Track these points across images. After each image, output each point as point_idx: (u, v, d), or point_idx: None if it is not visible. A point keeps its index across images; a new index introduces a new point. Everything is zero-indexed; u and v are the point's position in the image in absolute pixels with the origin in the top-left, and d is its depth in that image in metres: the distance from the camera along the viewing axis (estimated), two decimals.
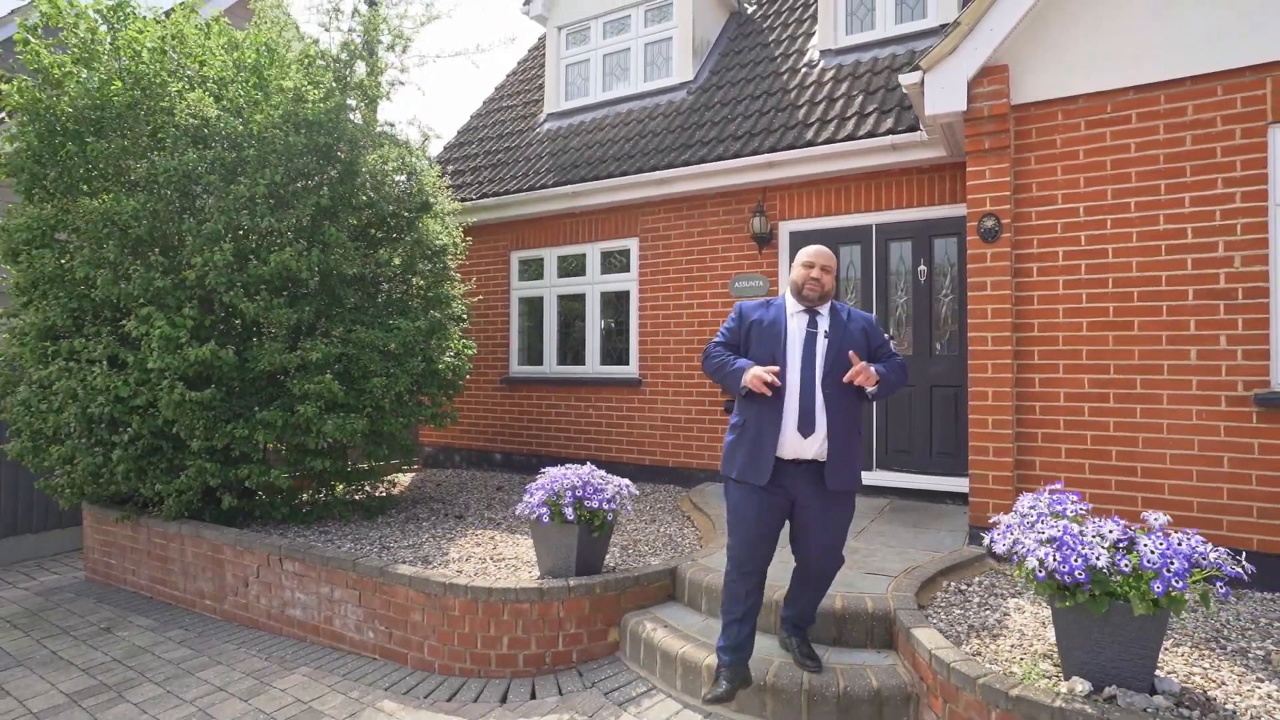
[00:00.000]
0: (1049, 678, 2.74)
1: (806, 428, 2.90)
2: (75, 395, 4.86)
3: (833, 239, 6.40)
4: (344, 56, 5.81)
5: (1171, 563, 2.44)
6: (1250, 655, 3.02)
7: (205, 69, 5.45)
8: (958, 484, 5.71)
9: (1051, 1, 4.42)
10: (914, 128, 5.62)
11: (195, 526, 5.09)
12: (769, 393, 2.85)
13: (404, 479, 7.88)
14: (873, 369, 2.87)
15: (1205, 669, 2.89)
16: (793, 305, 3.07)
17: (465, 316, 6.64)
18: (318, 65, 5.66)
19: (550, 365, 8.16)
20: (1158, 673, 2.78)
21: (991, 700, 2.60)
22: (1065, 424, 4.45)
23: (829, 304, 3.08)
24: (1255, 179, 4.00)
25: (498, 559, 4.62)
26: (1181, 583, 2.42)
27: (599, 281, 7.82)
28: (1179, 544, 2.49)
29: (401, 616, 3.99)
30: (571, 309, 8.05)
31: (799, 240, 6.57)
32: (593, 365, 7.85)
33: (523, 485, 7.34)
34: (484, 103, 10.61)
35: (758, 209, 6.62)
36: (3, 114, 6.20)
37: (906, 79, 4.71)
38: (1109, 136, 4.39)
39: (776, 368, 2.88)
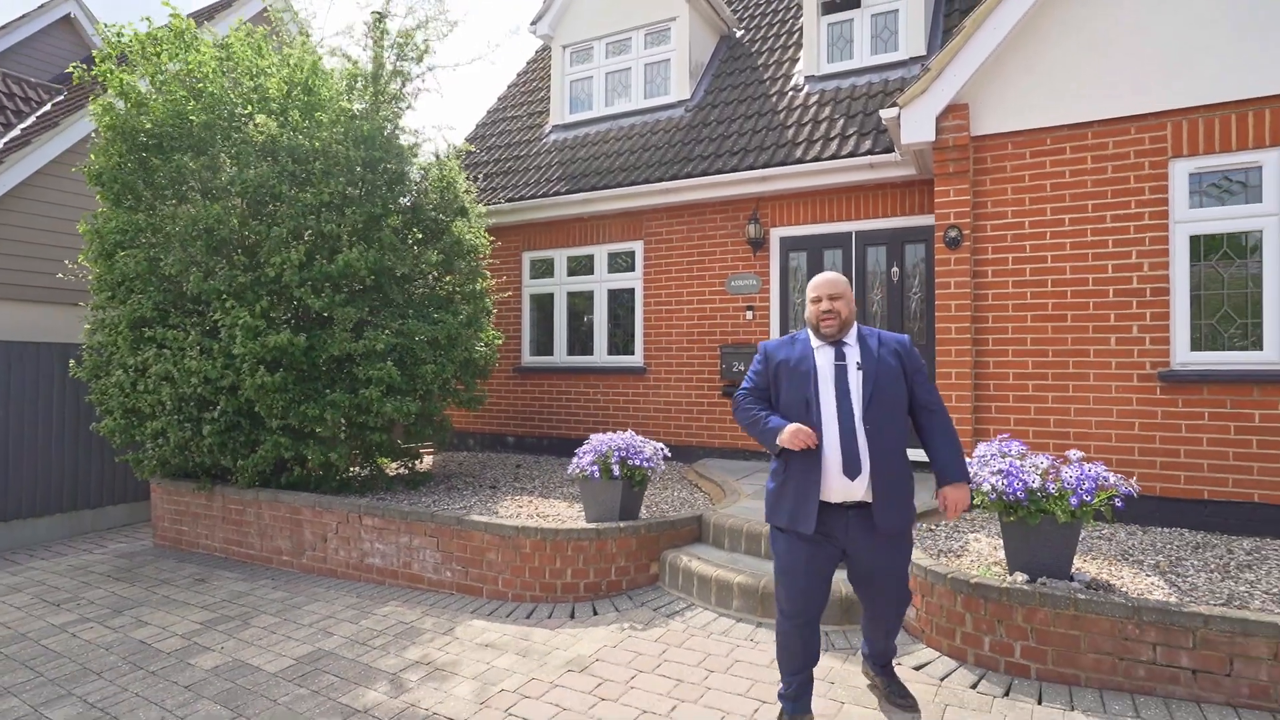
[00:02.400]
0: (998, 575, 3.69)
1: (852, 469, 2.75)
2: (170, 377, 5.55)
3: (818, 244, 7.36)
4: (380, 74, 6.57)
5: (1083, 484, 3.41)
6: (1145, 564, 4.02)
7: (260, 87, 6.13)
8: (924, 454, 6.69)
9: (1003, 53, 5.41)
10: (889, 149, 6.58)
11: (273, 493, 5.82)
12: (810, 446, 2.75)
13: (427, 459, 8.63)
14: (962, 490, 2.89)
15: (1111, 571, 3.88)
16: (815, 339, 2.94)
17: (493, 310, 7.43)
18: (359, 84, 6.41)
19: (560, 355, 8.98)
20: (1074, 570, 3.76)
21: (957, 589, 3.54)
22: (1014, 398, 5.45)
23: (854, 331, 2.94)
24: (1159, 201, 5.04)
25: (542, 515, 5.44)
26: (1090, 497, 3.39)
27: (606, 280, 8.66)
28: (1089, 471, 3.46)
29: (477, 557, 4.81)
30: (580, 304, 8.89)
31: (789, 244, 7.52)
32: (600, 355, 8.69)
33: (538, 464, 8.16)
34: (488, 112, 11.36)
35: (752, 216, 7.54)
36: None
37: (886, 114, 5.67)
38: (1048, 164, 5.40)
39: (813, 432, 2.75)
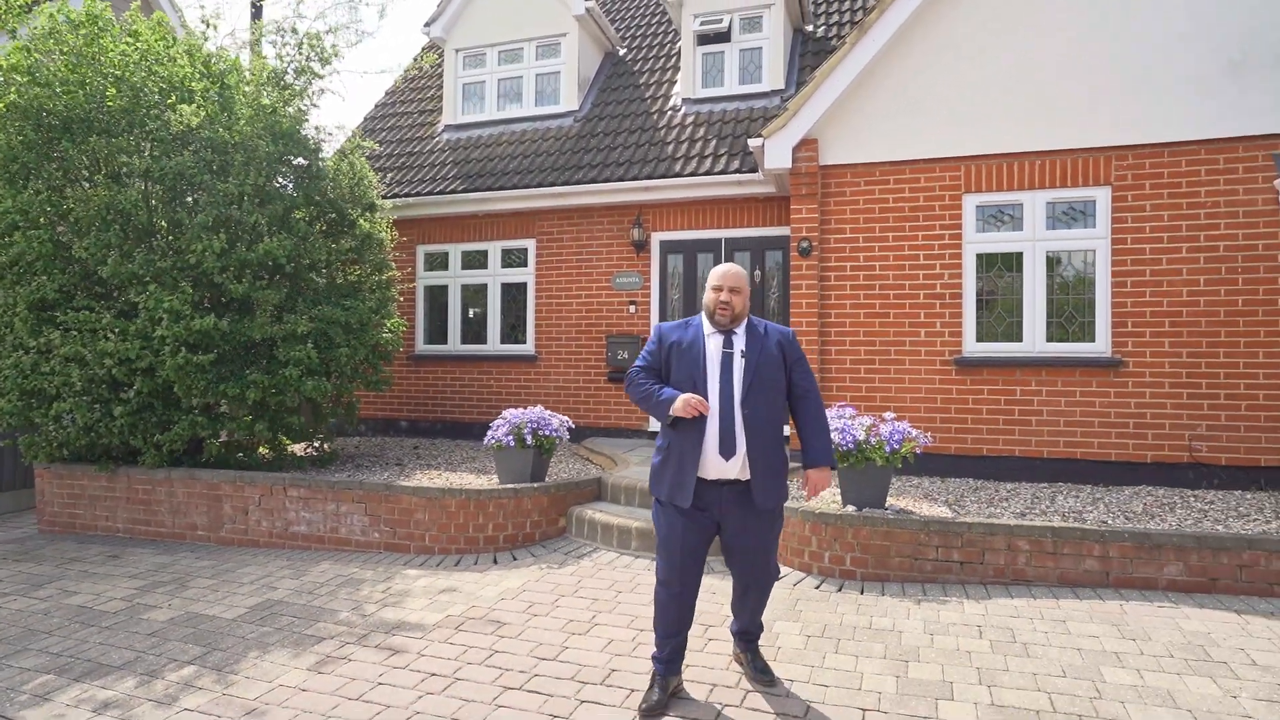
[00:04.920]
0: (835, 508, 4.84)
1: (727, 450, 2.92)
2: (82, 359, 5.64)
3: (693, 248, 8.43)
4: (288, 72, 6.89)
5: (894, 436, 4.62)
6: (939, 500, 5.36)
7: (170, 73, 6.27)
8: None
9: (844, 101, 6.67)
10: (754, 170, 7.73)
11: (188, 470, 6.03)
12: (698, 414, 2.90)
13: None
14: (825, 471, 3.07)
15: (916, 505, 5.16)
16: (709, 326, 3.09)
17: (398, 299, 7.89)
18: (274, 80, 6.70)
19: (454, 344, 9.50)
20: (889, 504, 5.00)
21: (806, 518, 4.65)
22: (850, 379, 6.75)
23: (745, 322, 3.10)
24: (955, 225, 6.48)
25: (456, 484, 6.08)
26: (899, 446, 4.60)
27: (499, 274, 9.30)
28: (898, 427, 4.68)
29: (405, 518, 5.39)
30: (474, 296, 9.46)
31: (668, 247, 8.54)
32: (493, 344, 9.32)
33: (434, 445, 8.68)
34: (376, 105, 11.56)
35: (636, 221, 8.49)
36: None
37: (753, 142, 6.79)
38: (877, 191, 6.73)
39: (704, 400, 2.91)
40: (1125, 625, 3.70)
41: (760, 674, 3.18)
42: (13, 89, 5.62)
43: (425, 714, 3.09)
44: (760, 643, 3.43)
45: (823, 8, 10.03)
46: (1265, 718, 2.82)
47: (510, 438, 5.60)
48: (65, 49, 5.84)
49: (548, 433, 5.67)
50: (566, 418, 5.94)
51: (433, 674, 3.45)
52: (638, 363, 3.16)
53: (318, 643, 3.86)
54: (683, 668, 3.22)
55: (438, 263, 9.64)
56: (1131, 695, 3.03)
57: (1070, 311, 6.23)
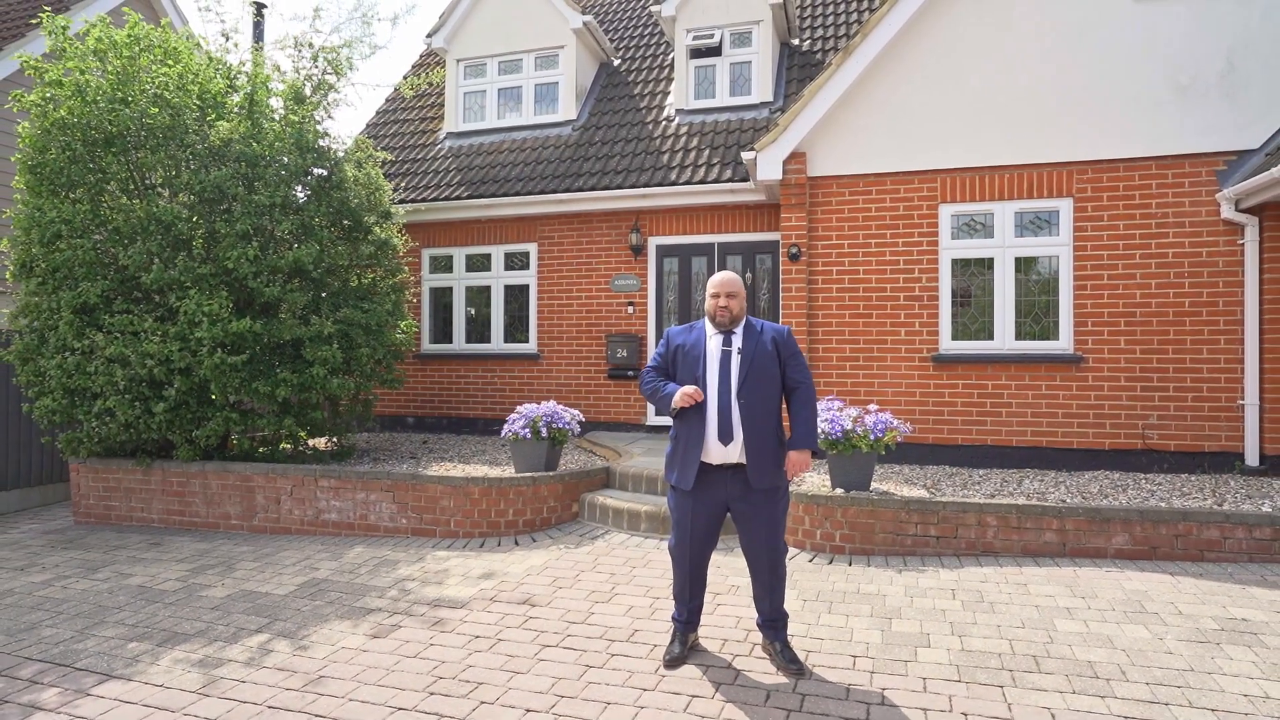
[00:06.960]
0: (825, 490, 5.38)
1: (725, 436, 3.27)
2: (125, 359, 6.03)
3: (687, 252, 8.94)
4: (306, 86, 7.30)
5: (878, 426, 5.16)
6: (918, 484, 5.91)
7: (203, 89, 6.67)
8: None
9: (830, 118, 7.20)
10: (745, 179, 8.25)
11: (221, 464, 6.44)
12: (696, 401, 3.29)
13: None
14: (805, 454, 3.37)
15: (897, 488, 5.71)
16: (711, 328, 3.46)
17: (411, 300, 8.32)
18: (296, 95, 7.12)
19: (459, 343, 9.94)
20: (873, 487, 5.54)
21: (799, 500, 5.18)
22: (836, 374, 7.29)
23: (743, 322, 3.45)
24: (933, 231, 7.04)
25: (475, 473, 6.54)
26: (882, 434, 5.14)
27: (502, 276, 9.75)
28: (881, 418, 5.22)
29: (431, 505, 5.86)
30: (478, 297, 9.90)
31: (664, 250, 9.04)
32: (497, 343, 9.77)
33: (440, 440, 9.12)
34: (378, 113, 11.94)
35: (634, 227, 8.98)
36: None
37: (746, 155, 7.31)
38: (860, 200, 7.27)
39: (699, 391, 3.28)
40: (1077, 586, 4.27)
41: (789, 664, 3.36)
42: (63, 106, 5.99)
43: (478, 667, 3.57)
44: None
45: (808, 23, 10.57)
46: (1183, 652, 3.39)
47: (526, 430, 6.08)
48: (111, 68, 6.22)
49: (561, 426, 6.16)
50: (577, 412, 6.43)
51: (477, 636, 3.93)
52: (649, 364, 3.59)
53: (368, 614, 4.32)
54: (699, 626, 3.72)
55: (442, 265, 10.06)
56: (1078, 640, 3.59)
57: (1037, 312, 6.81)
